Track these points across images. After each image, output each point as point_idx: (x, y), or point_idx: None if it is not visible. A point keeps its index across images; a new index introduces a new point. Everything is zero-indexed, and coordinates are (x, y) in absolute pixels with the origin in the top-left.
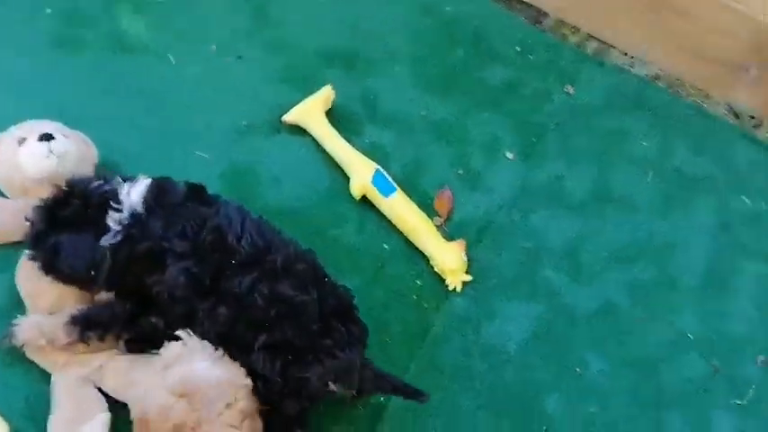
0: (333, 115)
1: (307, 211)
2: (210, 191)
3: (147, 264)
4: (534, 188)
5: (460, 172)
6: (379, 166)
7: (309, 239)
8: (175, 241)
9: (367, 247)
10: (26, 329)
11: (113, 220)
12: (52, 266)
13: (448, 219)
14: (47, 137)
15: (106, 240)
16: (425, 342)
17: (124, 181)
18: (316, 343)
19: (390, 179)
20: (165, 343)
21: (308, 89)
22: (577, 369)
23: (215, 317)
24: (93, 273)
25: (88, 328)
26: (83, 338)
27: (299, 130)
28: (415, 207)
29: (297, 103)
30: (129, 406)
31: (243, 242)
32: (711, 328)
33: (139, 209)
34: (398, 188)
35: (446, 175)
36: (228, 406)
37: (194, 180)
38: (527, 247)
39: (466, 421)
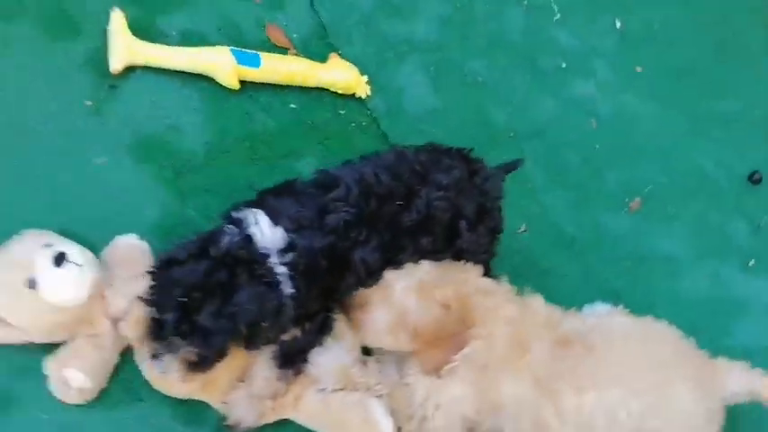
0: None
1: (227, 140)
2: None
3: (330, 278)
4: None
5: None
6: (229, 46)
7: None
8: (346, 236)
9: (291, 121)
10: (250, 408)
11: (277, 269)
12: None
13: (294, 47)
14: (61, 258)
15: (286, 294)
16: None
17: (232, 222)
18: (483, 192)
19: (244, 49)
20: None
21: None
22: None
23: (420, 249)
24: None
25: (297, 361)
26: (299, 372)
27: (131, 71)
28: (279, 55)
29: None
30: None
31: (386, 183)
32: None
33: (284, 240)
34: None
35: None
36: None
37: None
38: None
39: None
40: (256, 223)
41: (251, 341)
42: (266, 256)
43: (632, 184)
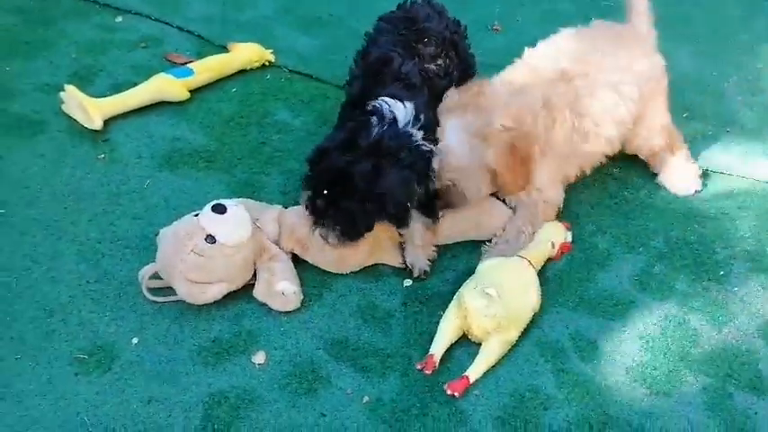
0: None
1: (217, 127)
2: None
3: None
4: None
5: None
6: (161, 72)
7: (258, 125)
8: (437, 79)
9: (243, 97)
10: (422, 257)
11: (417, 136)
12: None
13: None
14: (220, 207)
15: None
16: None
17: (371, 113)
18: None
19: (172, 66)
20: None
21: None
22: None
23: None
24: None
25: (434, 208)
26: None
27: (108, 123)
28: (202, 60)
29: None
30: None
31: (407, 35)
32: None
33: (412, 109)
34: (187, 63)
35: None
36: None
37: None
38: None
39: None
40: (390, 106)
41: (400, 221)
42: (409, 134)
43: None
